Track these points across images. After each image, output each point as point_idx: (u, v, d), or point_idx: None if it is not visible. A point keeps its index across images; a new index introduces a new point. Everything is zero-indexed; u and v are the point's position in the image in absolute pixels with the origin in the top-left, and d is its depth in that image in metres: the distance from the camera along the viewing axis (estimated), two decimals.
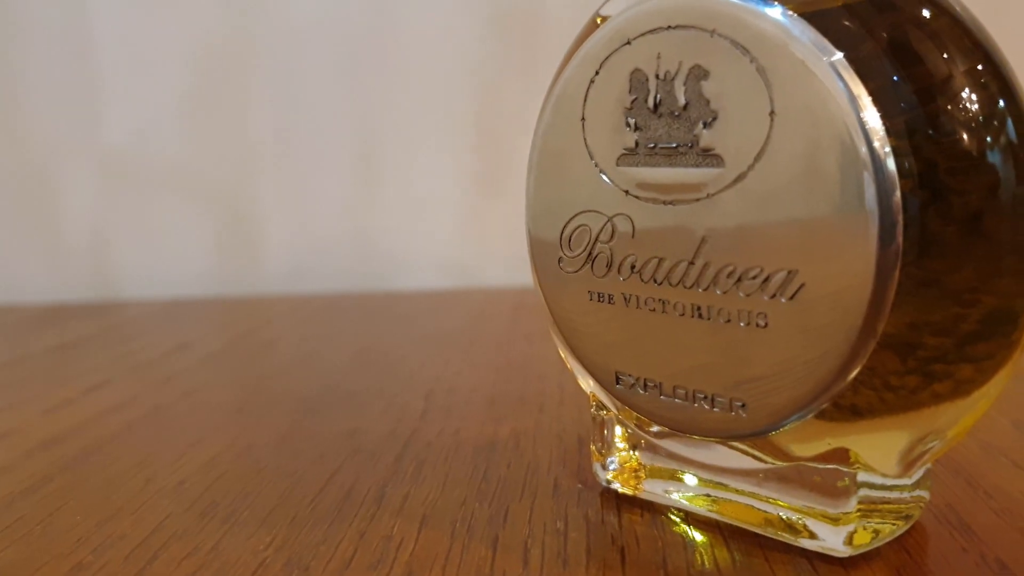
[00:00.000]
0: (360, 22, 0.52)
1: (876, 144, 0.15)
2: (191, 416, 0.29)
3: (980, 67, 0.16)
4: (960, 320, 0.16)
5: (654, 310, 0.19)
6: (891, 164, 0.15)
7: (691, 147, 0.17)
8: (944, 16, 0.17)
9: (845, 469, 0.18)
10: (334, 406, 0.29)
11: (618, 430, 0.22)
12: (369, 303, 0.48)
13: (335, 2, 0.51)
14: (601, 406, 0.22)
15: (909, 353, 0.16)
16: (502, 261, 0.52)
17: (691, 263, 0.18)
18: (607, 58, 0.18)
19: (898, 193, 0.15)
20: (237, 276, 0.55)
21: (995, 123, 0.16)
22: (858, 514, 0.18)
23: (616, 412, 0.21)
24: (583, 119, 0.19)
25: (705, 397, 0.18)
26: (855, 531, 0.18)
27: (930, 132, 0.16)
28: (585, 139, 0.19)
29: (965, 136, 0.16)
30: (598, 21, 0.20)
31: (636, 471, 0.22)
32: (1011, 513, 0.20)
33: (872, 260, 0.15)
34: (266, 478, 0.24)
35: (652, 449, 0.21)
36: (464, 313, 0.44)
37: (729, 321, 0.17)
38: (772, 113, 0.16)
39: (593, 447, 0.22)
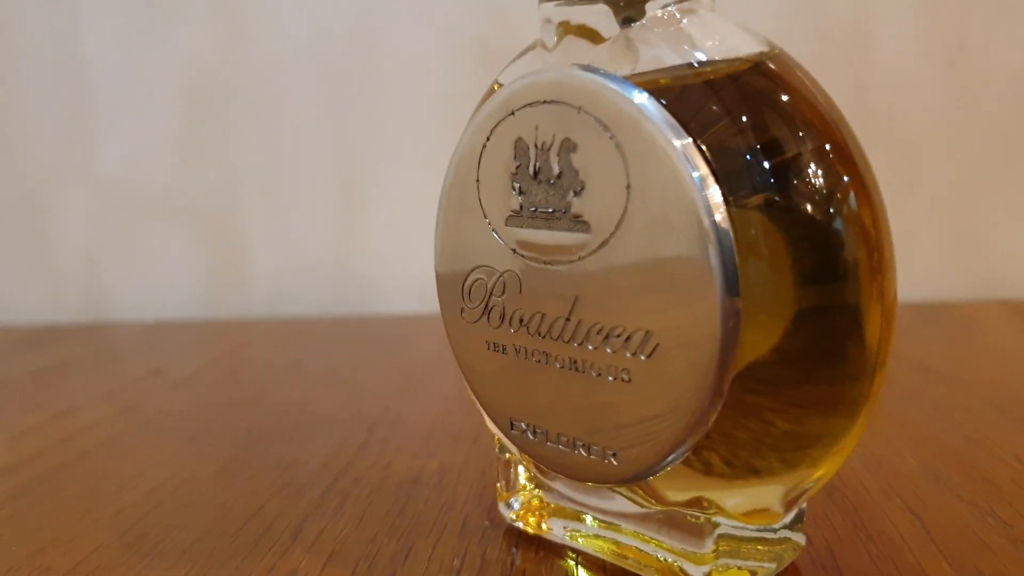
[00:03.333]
0: (345, 52, 0.53)
1: (718, 218, 0.16)
2: (144, 445, 0.31)
3: (827, 145, 0.18)
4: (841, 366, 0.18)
5: (539, 362, 0.20)
6: (731, 234, 0.16)
7: (564, 213, 0.19)
8: (793, 92, 0.18)
9: (700, 513, 0.19)
10: (280, 436, 0.31)
11: (521, 470, 0.23)
12: (346, 327, 0.49)
13: (321, 32, 0.53)
14: (504, 448, 0.23)
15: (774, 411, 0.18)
16: None
17: (567, 320, 0.19)
18: (496, 126, 0.20)
19: (736, 258, 0.16)
20: (224, 300, 0.56)
21: (838, 195, 0.17)
22: (713, 555, 0.19)
23: (517, 455, 0.22)
24: (478, 180, 0.20)
25: (583, 445, 0.19)
26: (710, 572, 0.19)
27: (778, 202, 0.17)
28: (480, 199, 0.20)
29: (810, 207, 0.17)
30: (495, 87, 0.21)
31: (539, 510, 0.23)
32: (885, 557, 0.21)
33: (718, 320, 0.16)
34: (197, 510, 0.25)
35: (551, 489, 0.22)
36: (434, 340, 0.45)
37: (600, 375, 0.19)
38: (628, 187, 0.17)
39: (498, 485, 0.23)
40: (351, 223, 0.55)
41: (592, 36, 0.20)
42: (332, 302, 0.55)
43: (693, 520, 0.19)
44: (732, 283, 0.16)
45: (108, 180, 0.56)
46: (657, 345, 0.17)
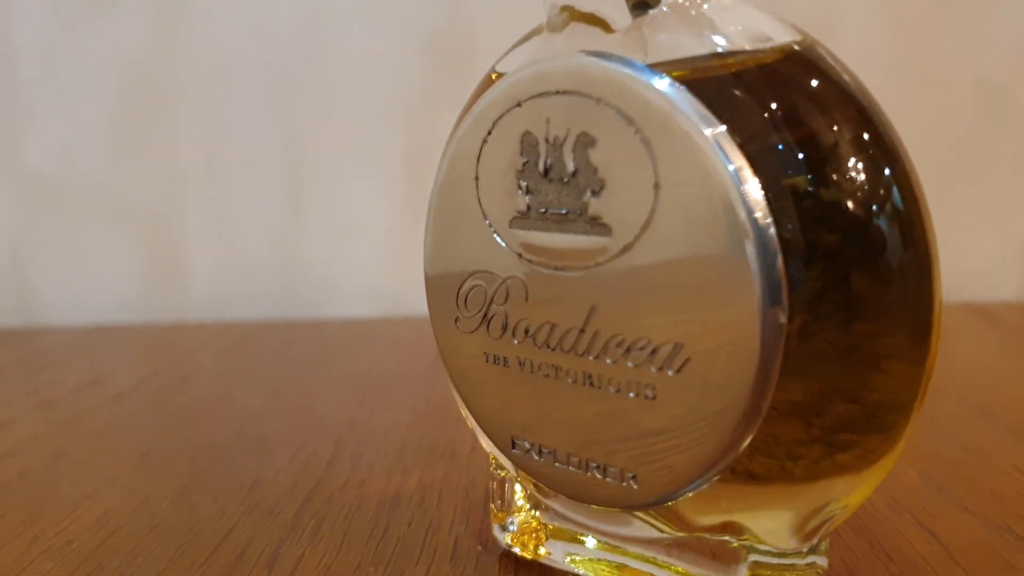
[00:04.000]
0: (290, 48, 0.51)
1: (757, 214, 0.15)
2: (91, 463, 0.28)
3: (865, 135, 0.16)
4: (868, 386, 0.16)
5: (548, 376, 0.18)
6: (772, 232, 0.15)
7: (580, 215, 0.17)
8: (831, 84, 0.17)
9: (736, 541, 0.17)
10: (241, 453, 0.29)
11: (518, 488, 0.21)
12: (293, 332, 0.47)
13: (265, 27, 0.51)
14: (500, 466, 0.21)
15: (813, 422, 0.16)
16: None
17: (582, 331, 0.17)
18: (499, 118, 0.18)
19: (780, 259, 0.15)
20: (162, 303, 0.54)
21: (880, 191, 0.16)
22: None
23: (514, 474, 0.21)
24: (477, 178, 0.19)
25: (598, 467, 0.18)
26: None
27: (816, 199, 0.16)
28: (479, 199, 0.19)
29: (851, 203, 0.16)
30: (493, 77, 0.20)
31: (536, 531, 0.21)
32: None
33: (757, 329, 0.15)
34: (159, 536, 0.23)
35: (552, 510, 0.21)
36: (389, 345, 0.44)
37: (619, 391, 0.17)
38: (656, 185, 0.16)
39: (493, 506, 0.22)
40: (296, 224, 0.53)
41: (602, 24, 0.18)
42: (276, 306, 0.53)
43: (725, 545, 0.18)
44: (775, 288, 0.15)
45: (36, 175, 0.53)
46: (688, 359, 0.16)
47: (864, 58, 0.48)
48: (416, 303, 0.52)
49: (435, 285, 0.20)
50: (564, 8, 0.19)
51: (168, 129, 0.52)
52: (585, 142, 0.17)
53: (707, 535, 0.18)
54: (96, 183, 0.53)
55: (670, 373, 0.16)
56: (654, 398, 0.17)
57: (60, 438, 0.31)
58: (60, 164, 0.52)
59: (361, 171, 0.52)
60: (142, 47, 0.51)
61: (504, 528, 0.22)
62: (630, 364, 0.17)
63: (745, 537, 0.17)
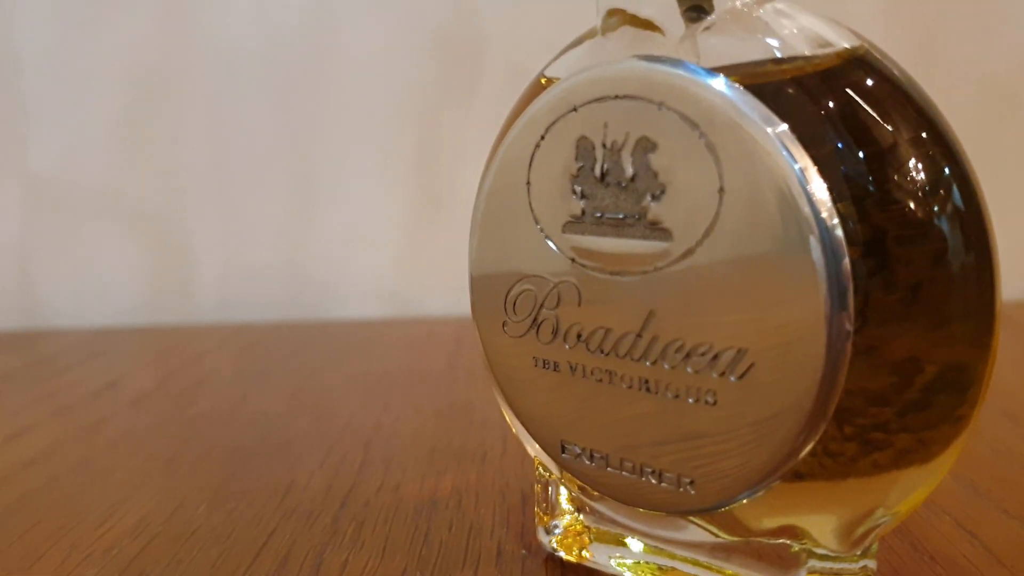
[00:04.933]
0: (297, 48, 0.51)
1: (823, 214, 0.15)
2: (118, 469, 0.28)
3: (924, 134, 0.16)
4: (902, 389, 0.16)
5: (601, 380, 0.18)
6: (839, 232, 0.15)
7: (639, 219, 0.17)
8: (886, 84, 0.17)
9: (796, 545, 0.17)
10: (269, 457, 0.29)
11: (564, 491, 0.21)
12: (304, 334, 0.47)
13: (272, 27, 0.50)
14: (545, 469, 0.21)
15: (847, 420, 0.16)
16: (440, 290, 0.52)
17: (638, 336, 0.17)
18: (553, 123, 0.18)
19: (847, 261, 0.15)
20: (168, 305, 0.53)
21: (941, 191, 0.16)
22: None
23: (559, 477, 0.21)
24: (528, 183, 0.19)
25: (653, 472, 0.18)
26: None
27: (877, 200, 0.16)
28: (531, 203, 0.19)
29: (912, 204, 0.16)
30: (543, 82, 0.20)
31: (580, 535, 0.21)
32: None
33: (823, 333, 0.15)
34: (199, 541, 0.23)
35: (597, 513, 0.21)
36: (403, 346, 0.43)
37: (677, 397, 0.17)
38: (721, 190, 0.16)
39: (537, 509, 0.22)
40: (303, 225, 0.53)
41: (656, 29, 0.18)
42: (284, 307, 0.53)
43: (785, 549, 0.18)
44: (841, 290, 0.15)
45: (41, 178, 0.52)
46: (752, 365, 0.16)
47: None
48: (425, 304, 0.52)
49: (481, 289, 0.20)
50: (614, 12, 0.19)
51: (174, 130, 0.52)
52: (645, 147, 0.17)
53: (765, 539, 0.18)
54: (102, 184, 0.52)
55: (732, 379, 0.16)
56: (715, 403, 0.17)
57: (82, 444, 0.31)
58: (65, 166, 0.52)
59: (369, 171, 0.52)
60: (147, 47, 0.51)
61: (549, 531, 0.21)
62: (690, 370, 0.17)
63: (804, 541, 0.17)
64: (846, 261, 0.15)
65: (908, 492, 0.17)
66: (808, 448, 0.16)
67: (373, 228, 0.52)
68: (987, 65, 0.49)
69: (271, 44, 0.51)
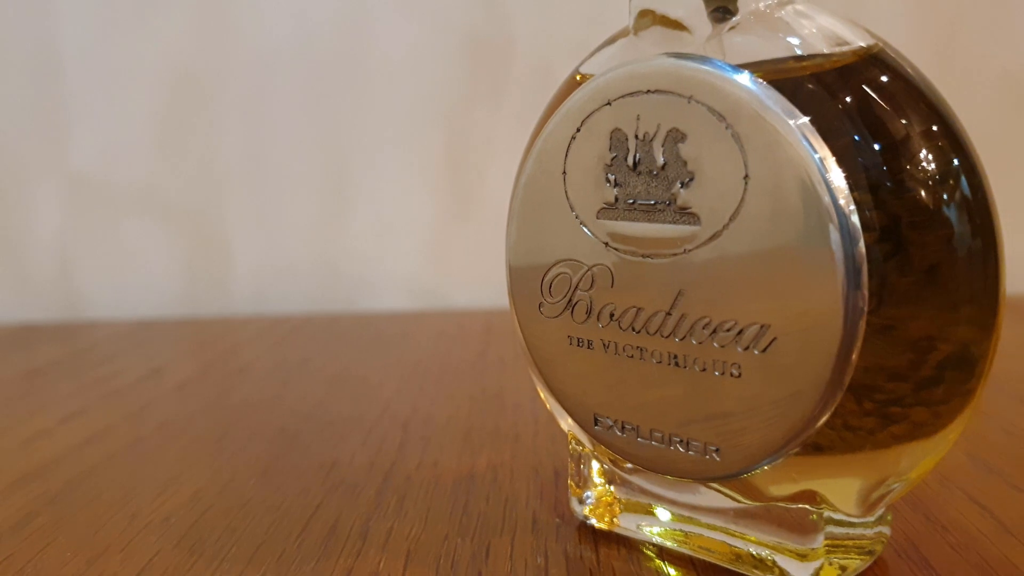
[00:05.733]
0: (331, 47, 0.52)
1: (841, 201, 0.16)
2: (171, 447, 0.30)
3: (935, 127, 0.18)
4: (917, 366, 0.17)
5: (632, 357, 0.20)
6: (855, 219, 0.16)
7: (669, 205, 0.18)
8: (900, 80, 0.18)
9: (813, 509, 0.19)
10: (314, 437, 0.30)
11: (595, 464, 0.23)
12: (338, 326, 0.49)
13: (306, 27, 0.52)
14: (578, 443, 0.22)
15: (866, 396, 0.17)
16: (469, 283, 0.53)
17: (668, 314, 0.19)
18: (588, 116, 0.19)
19: (862, 244, 0.16)
20: (204, 298, 0.55)
21: (950, 180, 0.17)
22: (825, 550, 0.19)
23: (592, 449, 0.22)
24: (564, 172, 0.20)
25: (681, 441, 0.19)
26: (821, 567, 0.19)
27: (891, 189, 0.17)
28: (566, 191, 0.20)
29: (923, 192, 0.17)
30: (578, 78, 0.21)
31: (611, 505, 0.22)
32: (967, 548, 0.21)
33: (840, 311, 0.16)
34: (251, 513, 0.24)
35: (627, 484, 0.22)
36: (435, 337, 0.45)
37: (704, 370, 0.18)
38: (746, 177, 0.17)
39: (571, 482, 0.23)
40: (336, 220, 0.54)
41: (685, 28, 0.19)
42: (317, 300, 0.54)
43: (804, 514, 0.19)
44: (856, 271, 0.16)
45: (83, 175, 0.54)
46: (774, 339, 0.17)
47: None
48: (454, 297, 0.53)
49: (519, 273, 0.22)
50: (646, 12, 0.20)
51: (211, 128, 0.53)
52: (675, 137, 0.18)
53: (784, 504, 0.19)
54: (141, 181, 0.54)
55: (756, 352, 0.17)
56: (739, 376, 0.18)
57: (133, 426, 0.32)
58: (106, 163, 0.54)
59: (400, 169, 0.53)
60: (186, 48, 0.52)
61: (581, 501, 0.23)
62: (716, 345, 0.18)
63: (822, 506, 0.19)
64: (861, 244, 0.16)
65: (920, 460, 0.18)
66: (826, 417, 0.17)
67: (404, 224, 0.54)
68: (1005, 65, 0.50)
69: (306, 45, 0.52)
